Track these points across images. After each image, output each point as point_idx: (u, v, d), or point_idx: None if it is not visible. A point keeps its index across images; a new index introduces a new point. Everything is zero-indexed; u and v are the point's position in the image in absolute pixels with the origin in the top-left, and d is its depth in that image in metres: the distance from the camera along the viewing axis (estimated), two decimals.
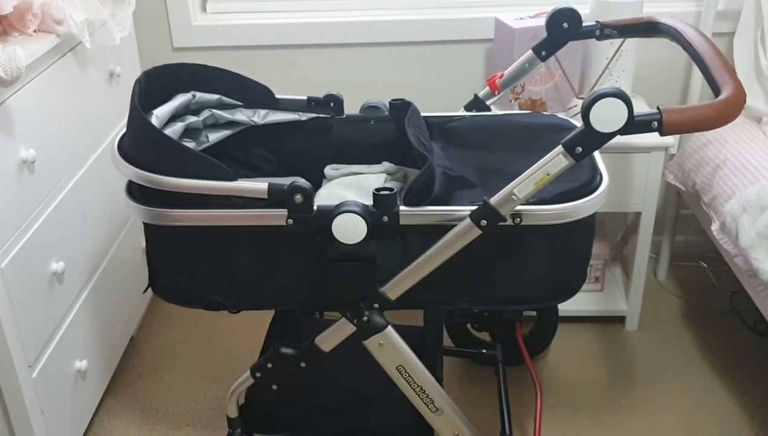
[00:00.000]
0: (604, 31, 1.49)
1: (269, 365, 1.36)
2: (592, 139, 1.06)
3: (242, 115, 1.49)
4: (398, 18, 2.07)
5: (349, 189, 1.40)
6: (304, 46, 2.10)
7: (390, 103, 1.50)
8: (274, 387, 1.38)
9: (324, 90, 1.53)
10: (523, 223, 1.17)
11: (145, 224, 1.28)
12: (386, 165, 1.49)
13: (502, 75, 1.59)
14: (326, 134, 1.53)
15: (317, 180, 1.48)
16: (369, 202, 1.18)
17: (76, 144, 1.62)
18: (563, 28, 1.49)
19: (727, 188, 1.68)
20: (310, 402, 1.56)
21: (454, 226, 1.17)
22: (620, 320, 2.04)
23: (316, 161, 1.51)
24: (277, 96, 1.51)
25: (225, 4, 2.13)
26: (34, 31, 1.47)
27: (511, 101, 1.87)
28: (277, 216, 1.19)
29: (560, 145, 1.09)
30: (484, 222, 1.15)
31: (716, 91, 1.08)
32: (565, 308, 1.78)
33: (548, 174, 1.11)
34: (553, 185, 1.14)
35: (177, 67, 1.42)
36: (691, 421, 1.75)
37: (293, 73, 2.12)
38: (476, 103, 1.59)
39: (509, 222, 1.17)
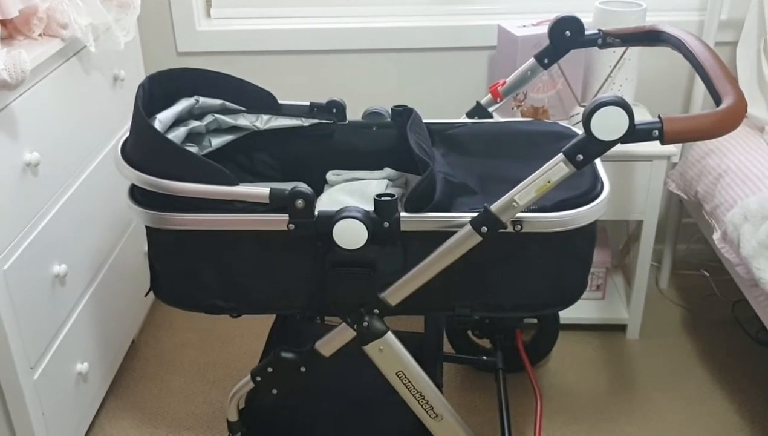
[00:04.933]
0: (607, 39, 1.49)
1: (269, 370, 1.36)
2: (592, 147, 1.06)
3: (245, 121, 1.50)
4: (401, 25, 2.08)
5: (350, 195, 1.40)
6: (307, 52, 2.10)
7: (392, 109, 1.51)
8: (275, 391, 1.38)
9: (326, 96, 1.53)
10: (523, 230, 1.17)
11: (147, 227, 1.28)
12: (388, 171, 1.50)
13: (504, 82, 1.59)
14: (328, 140, 1.53)
15: (319, 185, 1.49)
16: (370, 208, 1.19)
17: (80, 147, 1.63)
18: (566, 36, 1.49)
19: (729, 197, 1.68)
20: (310, 407, 1.56)
21: (455, 232, 1.18)
22: (621, 328, 2.04)
23: (318, 167, 1.52)
24: (280, 101, 1.52)
25: (229, 10, 2.14)
26: (39, 35, 1.48)
27: (513, 109, 1.88)
28: (279, 221, 1.20)
29: (561, 153, 1.09)
30: (484, 229, 1.15)
31: (717, 101, 1.08)
32: (567, 315, 1.79)
33: (549, 181, 1.11)
34: (554, 193, 1.14)
35: (180, 72, 1.42)
36: (691, 430, 1.74)
37: (296, 78, 2.13)
38: (478, 111, 1.59)
39: (510, 229, 1.17)
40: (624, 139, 1.05)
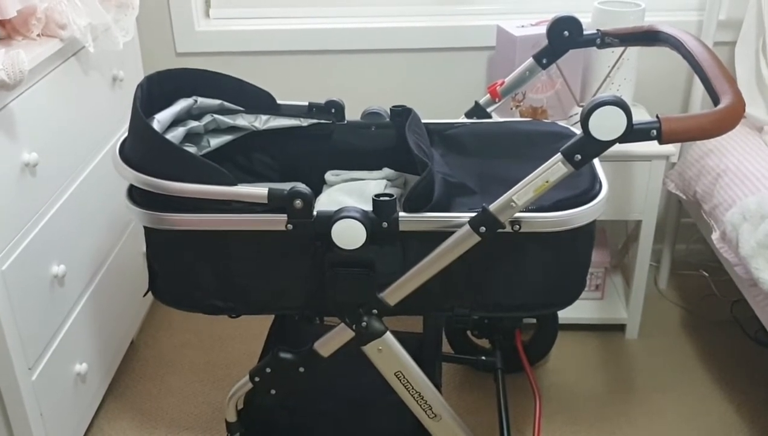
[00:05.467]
0: (605, 39, 1.49)
1: (268, 370, 1.36)
2: (591, 147, 1.06)
3: (243, 121, 1.50)
4: (400, 25, 2.08)
5: (349, 195, 1.40)
6: (306, 52, 2.10)
7: (391, 109, 1.51)
8: (273, 392, 1.38)
9: (325, 96, 1.53)
10: (522, 230, 1.17)
11: (145, 227, 1.28)
12: (386, 171, 1.50)
13: (503, 82, 1.59)
14: (327, 140, 1.53)
15: (318, 186, 1.49)
16: (369, 208, 1.19)
17: (78, 148, 1.63)
18: (564, 37, 1.49)
19: (728, 197, 1.68)
20: (308, 407, 1.56)
21: (454, 232, 1.18)
22: (620, 328, 2.04)
23: (316, 167, 1.52)
24: (279, 102, 1.52)
25: (228, 10, 2.14)
26: (38, 35, 1.48)
27: (512, 109, 1.88)
28: (277, 221, 1.20)
29: (559, 153, 1.09)
30: (483, 229, 1.15)
31: (715, 101, 1.08)
32: (566, 315, 1.79)
33: (547, 181, 1.11)
34: (553, 193, 1.14)
35: (179, 72, 1.42)
36: (690, 430, 1.74)
37: (295, 78, 2.13)
38: (477, 111, 1.59)
39: (508, 229, 1.17)
40: (622, 139, 1.05)
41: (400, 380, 1.32)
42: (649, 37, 1.40)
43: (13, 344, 1.37)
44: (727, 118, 1.04)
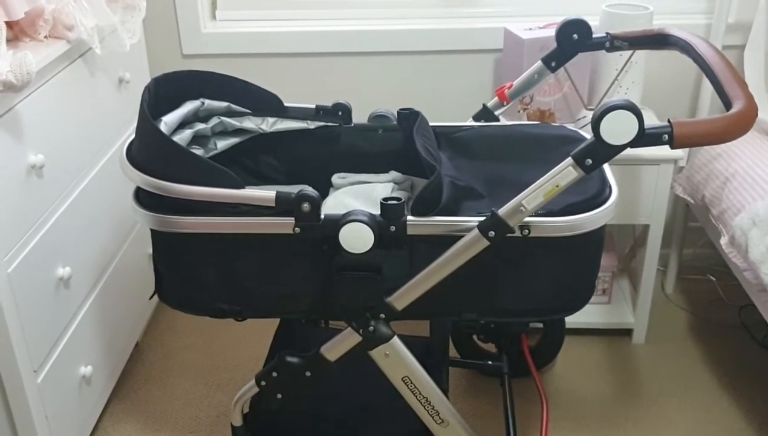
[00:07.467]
0: (614, 42, 1.49)
1: (274, 374, 1.35)
2: (602, 151, 1.06)
3: (250, 123, 1.49)
4: (407, 27, 2.07)
5: (356, 198, 1.40)
6: (313, 54, 2.10)
7: (398, 112, 1.50)
8: (279, 396, 1.37)
9: (332, 98, 1.53)
10: (531, 235, 1.16)
11: (152, 230, 1.28)
12: (394, 174, 1.49)
13: (510, 85, 1.58)
14: (334, 143, 1.53)
15: (324, 188, 1.48)
16: (376, 211, 1.18)
17: (85, 150, 1.63)
18: (573, 39, 1.49)
19: (737, 202, 1.67)
20: (315, 412, 1.55)
21: (462, 236, 1.17)
22: (627, 332, 2.03)
23: (323, 170, 1.51)
24: (286, 104, 1.51)
25: (234, 12, 2.14)
26: (45, 36, 1.48)
27: (519, 112, 1.87)
28: (284, 224, 1.19)
29: (570, 157, 1.08)
30: (492, 233, 1.14)
31: (727, 105, 1.07)
32: (572, 320, 1.78)
33: (557, 186, 1.10)
34: (562, 197, 1.13)
35: (186, 74, 1.42)
36: (697, 435, 1.74)
37: (302, 81, 2.12)
38: (485, 114, 1.59)
39: (517, 234, 1.16)
40: (634, 144, 1.04)
41: (407, 385, 1.31)
42: (659, 40, 1.40)
43: (19, 347, 1.37)
44: (739, 123, 1.03)
